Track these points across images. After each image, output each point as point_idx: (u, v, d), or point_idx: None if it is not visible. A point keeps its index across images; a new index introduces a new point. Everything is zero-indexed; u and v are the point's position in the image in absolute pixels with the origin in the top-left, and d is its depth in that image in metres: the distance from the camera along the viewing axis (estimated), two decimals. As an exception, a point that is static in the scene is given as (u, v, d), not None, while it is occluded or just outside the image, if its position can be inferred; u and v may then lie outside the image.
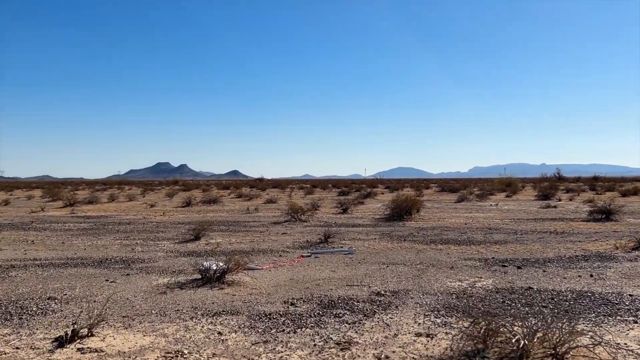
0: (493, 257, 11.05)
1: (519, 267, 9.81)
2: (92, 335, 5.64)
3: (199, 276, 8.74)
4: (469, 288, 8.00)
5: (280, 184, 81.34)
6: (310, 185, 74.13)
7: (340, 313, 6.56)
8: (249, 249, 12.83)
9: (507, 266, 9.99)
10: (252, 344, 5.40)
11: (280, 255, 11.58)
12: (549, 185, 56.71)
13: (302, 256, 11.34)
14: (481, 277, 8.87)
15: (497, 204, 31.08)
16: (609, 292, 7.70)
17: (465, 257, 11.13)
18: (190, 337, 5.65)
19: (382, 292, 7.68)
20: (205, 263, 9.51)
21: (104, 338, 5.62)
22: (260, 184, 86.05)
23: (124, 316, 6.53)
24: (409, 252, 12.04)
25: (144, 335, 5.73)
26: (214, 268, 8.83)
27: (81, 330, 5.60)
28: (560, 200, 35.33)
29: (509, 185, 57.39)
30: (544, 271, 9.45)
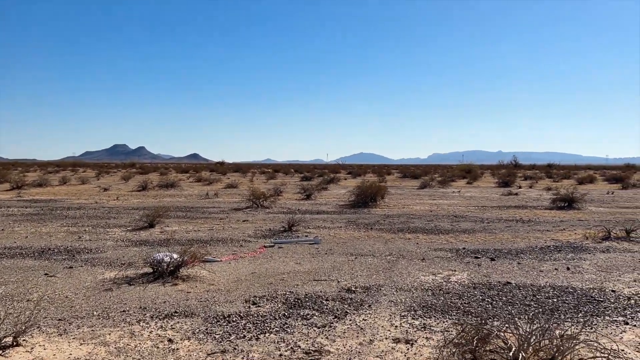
0: (464, 248, 10.59)
1: (492, 259, 9.36)
2: (18, 344, 4.80)
3: (151, 270, 7.91)
4: (444, 283, 7.46)
5: (241, 168, 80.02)
6: (273, 169, 73.18)
7: (308, 314, 5.90)
8: (207, 237, 12.02)
9: (480, 257, 9.53)
10: (208, 355, 4.68)
11: (241, 246, 10.83)
12: (508, 173, 57.57)
13: (265, 246, 10.63)
14: (455, 270, 8.35)
15: (459, 191, 31.02)
16: (590, 288, 7.29)
17: (435, 248, 10.63)
18: (136, 346, 4.88)
19: (353, 288, 7.05)
20: (157, 255, 8.71)
21: (32, 348, 4.79)
22: (221, 168, 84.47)
23: (59, 319, 5.69)
24: (377, 241, 11.47)
25: (81, 344, 4.92)
26: (167, 260, 8.03)
27: (4, 340, 4.75)
28: (520, 187, 35.61)
29: (468, 172, 57.98)
30: (519, 263, 9.02)
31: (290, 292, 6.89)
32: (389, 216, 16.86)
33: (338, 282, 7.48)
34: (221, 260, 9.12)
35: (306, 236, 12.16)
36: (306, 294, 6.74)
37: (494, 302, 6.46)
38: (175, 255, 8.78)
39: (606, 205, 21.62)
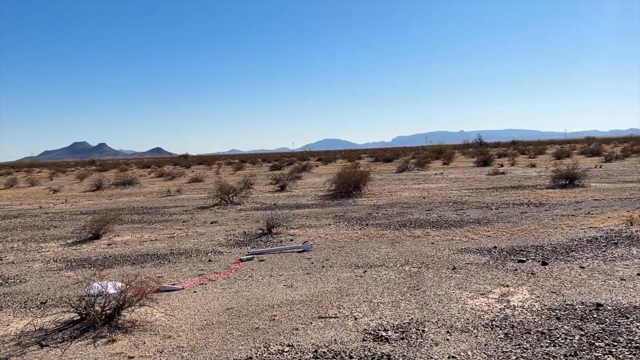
0: (495, 247, 8.37)
1: (543, 263, 7.14)
2: None
3: (78, 315, 5.41)
4: (508, 311, 5.19)
5: (206, 160, 76.77)
6: (239, 160, 70.21)
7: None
8: (167, 250, 9.50)
9: (525, 260, 7.32)
10: None
11: (209, 260, 8.35)
12: (479, 152, 56.29)
13: (241, 260, 8.17)
14: (507, 285, 6.10)
15: (441, 173, 29.02)
16: None
17: (458, 249, 8.39)
18: None
19: (382, 333, 4.70)
20: (94, 286, 6.24)
21: None
22: (185, 161, 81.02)
23: None
24: (381, 243, 9.16)
25: None
26: (111, 292, 5.59)
27: None
28: (502, 165, 33.89)
29: (440, 152, 56.46)
30: (582, 267, 6.83)
31: (289, 345, 4.50)
32: (380, 207, 14.58)
33: (355, 319, 5.12)
34: (183, 288, 6.65)
35: (291, 241, 9.76)
36: (316, 350, 4.36)
37: (606, 348, 4.20)
38: (119, 285, 6.34)
39: (607, 181, 19.84)
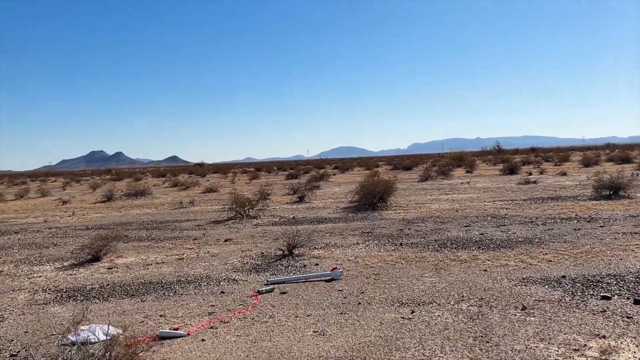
0: (563, 276, 6.97)
1: (637, 302, 5.73)
2: None
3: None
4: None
5: (221, 169, 75.85)
6: (254, 168, 69.13)
7: None
8: (173, 276, 8.23)
9: (610, 297, 5.91)
10: None
11: (222, 292, 7.05)
12: (500, 159, 54.57)
13: (259, 292, 6.86)
14: (603, 336, 4.71)
15: (468, 182, 27.51)
16: None
17: (518, 278, 6.99)
18: None
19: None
20: (80, 333, 5.03)
21: None
22: (200, 169, 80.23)
23: None
24: (423, 269, 7.80)
25: None
26: (101, 338, 4.35)
27: None
28: (531, 174, 32.25)
29: (460, 160, 54.84)
30: (690, 308, 5.42)
31: None
32: (410, 222, 13.21)
33: (417, 392, 3.79)
34: (188, 334, 5.35)
35: (316, 265, 8.43)
36: None
37: None
38: (112, 331, 5.12)
39: (653, 191, 18.22)
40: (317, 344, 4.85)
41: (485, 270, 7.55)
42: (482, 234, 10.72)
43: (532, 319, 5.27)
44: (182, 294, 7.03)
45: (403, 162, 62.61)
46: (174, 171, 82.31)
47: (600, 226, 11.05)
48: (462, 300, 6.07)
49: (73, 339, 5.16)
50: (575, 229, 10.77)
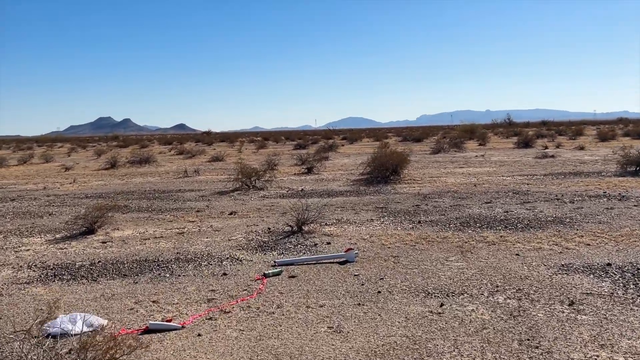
0: (608, 263, 6.17)
1: None
2: None
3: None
4: None
5: (229, 138, 75.02)
6: (262, 138, 68.24)
7: None
8: (172, 253, 7.51)
9: (670, 293, 5.13)
10: None
11: (224, 274, 6.31)
12: (513, 132, 53.37)
13: (265, 275, 6.12)
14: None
15: (483, 155, 26.58)
16: None
17: (557, 265, 6.21)
18: None
19: None
20: (58, 322, 4.36)
21: None
22: (207, 138, 79.35)
23: None
24: (447, 251, 7.03)
25: None
26: (88, 326, 3.65)
27: None
28: (547, 148, 31.22)
29: (472, 133, 53.66)
30: None
31: None
32: (427, 197, 12.40)
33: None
34: (182, 327, 4.62)
35: (328, 244, 7.68)
36: None
37: None
38: (96, 321, 4.43)
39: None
40: (332, 344, 4.11)
41: (517, 254, 6.76)
42: (507, 212, 9.92)
43: (584, 317, 4.51)
44: (179, 275, 6.30)
45: (413, 133, 61.43)
46: (180, 139, 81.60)
47: (635, 205, 10.21)
48: (497, 291, 5.30)
49: (49, 330, 4.46)
50: (607, 208, 9.93)
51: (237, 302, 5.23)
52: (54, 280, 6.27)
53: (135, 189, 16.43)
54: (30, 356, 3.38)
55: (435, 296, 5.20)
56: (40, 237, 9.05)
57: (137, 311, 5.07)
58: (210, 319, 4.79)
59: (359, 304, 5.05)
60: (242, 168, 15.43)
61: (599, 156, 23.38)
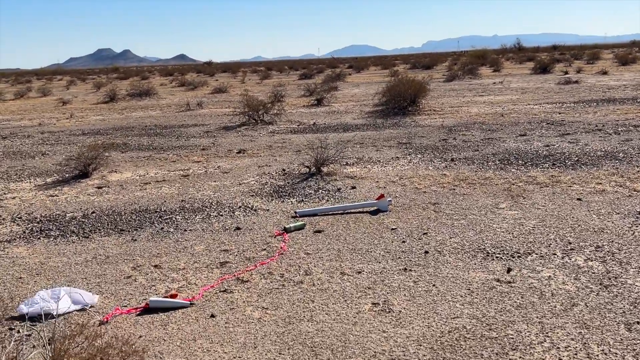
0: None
1: None
2: None
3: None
4: None
5: (230, 68, 72.64)
6: (265, 68, 66.05)
7: None
8: (176, 201, 6.57)
9: None
10: None
11: (237, 228, 5.38)
12: (527, 57, 51.22)
13: (286, 230, 5.18)
14: None
15: (501, 82, 25.13)
16: None
17: (631, 212, 5.24)
18: None
19: None
20: (37, 299, 3.48)
21: None
22: (209, 68, 77.11)
23: None
24: (494, 196, 6.05)
25: None
26: (75, 305, 2.77)
27: None
28: (567, 73, 29.61)
29: (483, 58, 51.54)
30: None
31: None
32: (452, 129, 11.32)
33: None
34: (191, 303, 3.73)
35: (353, 189, 6.71)
36: None
37: None
38: (84, 298, 3.58)
39: None
40: (383, 331, 3.21)
41: (579, 199, 5.78)
42: (547, 146, 8.87)
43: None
44: (185, 230, 5.38)
45: (421, 61, 59.17)
46: (181, 70, 79.34)
47: (690, 138, 9.13)
48: (572, 249, 4.35)
49: (25, 310, 3.58)
50: (662, 142, 8.86)
51: (255, 266, 4.32)
52: (39, 238, 5.37)
53: (135, 124, 15.37)
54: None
55: (497, 257, 4.27)
56: (30, 182, 8.11)
57: (135, 280, 4.18)
58: (225, 291, 3.89)
59: (405, 269, 4.13)
60: (248, 101, 14.27)
61: (625, 81, 21.98)
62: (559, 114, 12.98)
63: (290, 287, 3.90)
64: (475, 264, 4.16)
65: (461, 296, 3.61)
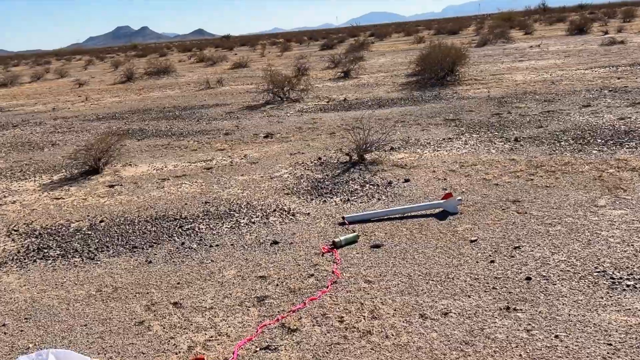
0: None
1: None
2: None
3: None
4: None
5: (249, 41, 71.12)
6: (284, 39, 64.38)
7: None
8: (198, 203, 5.57)
9: None
10: None
11: (274, 242, 4.35)
12: (556, 18, 48.87)
13: (335, 245, 4.13)
14: None
15: (539, 45, 23.46)
16: None
17: None
18: None
19: None
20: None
21: None
22: (227, 42, 75.64)
23: None
24: (585, 189, 4.90)
25: None
26: None
27: None
28: (607, 33, 27.66)
29: (510, 21, 49.22)
30: None
31: None
32: (502, 101, 10.08)
33: None
34: (224, 374, 2.73)
35: (406, 182, 5.61)
36: None
37: None
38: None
39: None
40: None
41: (697, 192, 4.61)
42: (622, 119, 7.62)
43: None
44: (211, 246, 4.38)
45: (444, 26, 56.91)
46: (200, 45, 78.07)
47: None
48: None
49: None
50: None
51: (304, 304, 3.30)
52: (35, 260, 4.43)
53: (153, 105, 14.41)
54: None
55: (629, 286, 3.17)
56: (34, 181, 7.20)
57: (149, 329, 3.19)
58: (268, 348, 2.88)
59: (508, 307, 3.06)
60: (272, 76, 13.14)
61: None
62: (618, 79, 11.60)
63: (355, 341, 2.87)
64: (602, 297, 3.08)
65: (603, 357, 2.54)
